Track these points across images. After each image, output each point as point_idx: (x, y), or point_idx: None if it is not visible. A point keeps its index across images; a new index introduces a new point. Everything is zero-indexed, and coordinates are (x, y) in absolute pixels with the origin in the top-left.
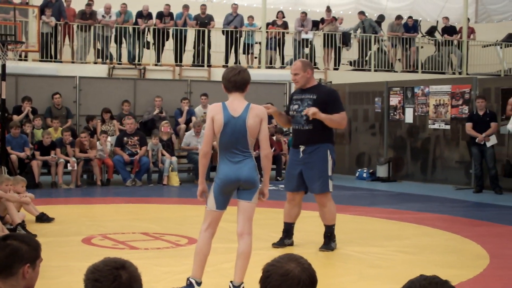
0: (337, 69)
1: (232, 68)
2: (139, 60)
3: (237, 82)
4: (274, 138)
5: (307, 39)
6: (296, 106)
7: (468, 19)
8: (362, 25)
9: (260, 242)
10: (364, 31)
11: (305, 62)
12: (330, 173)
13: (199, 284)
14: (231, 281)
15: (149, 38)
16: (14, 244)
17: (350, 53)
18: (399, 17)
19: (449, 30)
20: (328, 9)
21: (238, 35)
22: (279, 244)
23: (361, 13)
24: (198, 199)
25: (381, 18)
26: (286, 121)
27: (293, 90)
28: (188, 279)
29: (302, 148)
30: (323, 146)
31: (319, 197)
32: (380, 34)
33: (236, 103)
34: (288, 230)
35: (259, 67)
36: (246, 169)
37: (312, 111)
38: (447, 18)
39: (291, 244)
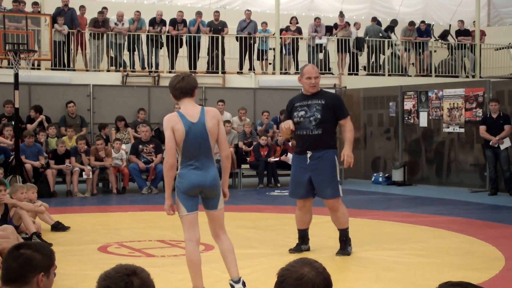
0: (355, 74)
1: (176, 75)
2: (154, 67)
3: (182, 88)
4: (290, 144)
5: (321, 45)
6: (302, 112)
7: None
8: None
9: (275, 248)
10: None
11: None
12: (338, 177)
13: None
14: (230, 279)
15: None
16: (27, 253)
17: (362, 58)
18: (411, 23)
19: (463, 33)
20: (341, 14)
21: (252, 41)
22: (296, 249)
23: (373, 19)
24: (167, 214)
25: (394, 22)
26: (291, 132)
27: None
28: None
29: (309, 154)
30: (330, 151)
31: (331, 202)
32: (387, 37)
33: (191, 109)
34: (303, 236)
35: (273, 73)
36: (210, 177)
37: (349, 160)
38: (462, 21)
39: (308, 250)
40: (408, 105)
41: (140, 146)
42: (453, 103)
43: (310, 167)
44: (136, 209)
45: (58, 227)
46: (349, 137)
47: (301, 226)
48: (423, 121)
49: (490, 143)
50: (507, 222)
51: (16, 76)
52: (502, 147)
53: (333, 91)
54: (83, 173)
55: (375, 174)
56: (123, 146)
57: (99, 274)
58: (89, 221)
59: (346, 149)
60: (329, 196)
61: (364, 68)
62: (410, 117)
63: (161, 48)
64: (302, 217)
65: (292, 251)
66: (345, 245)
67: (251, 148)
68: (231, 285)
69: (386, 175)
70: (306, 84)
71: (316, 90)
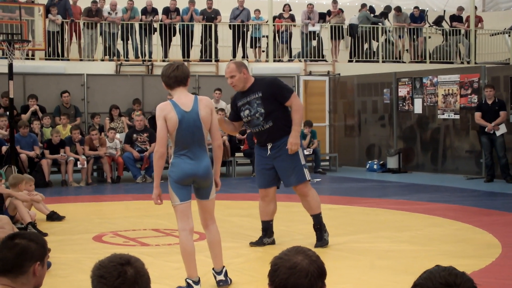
0: (356, 61)
1: (170, 64)
2: (147, 56)
3: (177, 77)
4: None
5: (314, 32)
6: (247, 111)
7: (476, 8)
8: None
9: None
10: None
11: (238, 63)
12: (303, 161)
13: (197, 282)
14: (213, 268)
15: (156, 34)
16: (23, 243)
17: (358, 45)
18: (398, 9)
19: (457, 19)
20: (334, 1)
21: (245, 29)
22: (258, 243)
23: (363, 5)
24: (155, 203)
25: (387, 9)
26: (233, 128)
27: (301, 83)
28: (185, 280)
29: (269, 145)
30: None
31: (299, 188)
32: (377, 22)
33: (184, 98)
34: (266, 229)
35: (267, 61)
36: (203, 166)
37: (292, 148)
38: (461, 7)
39: (272, 243)
40: (403, 91)
41: (134, 135)
42: (448, 90)
43: (271, 156)
44: (131, 198)
45: (53, 217)
46: (296, 120)
47: (264, 217)
48: (417, 107)
49: (486, 130)
50: (503, 209)
51: (10, 66)
52: (498, 133)
53: (327, 78)
54: (78, 162)
55: (369, 162)
56: (117, 135)
57: (94, 264)
58: (84, 211)
59: (291, 136)
60: (294, 182)
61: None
62: (404, 103)
63: (153, 33)
64: (265, 208)
65: (253, 244)
66: (320, 235)
67: (245, 136)
68: (213, 275)
69: (381, 162)
70: None
71: (239, 89)
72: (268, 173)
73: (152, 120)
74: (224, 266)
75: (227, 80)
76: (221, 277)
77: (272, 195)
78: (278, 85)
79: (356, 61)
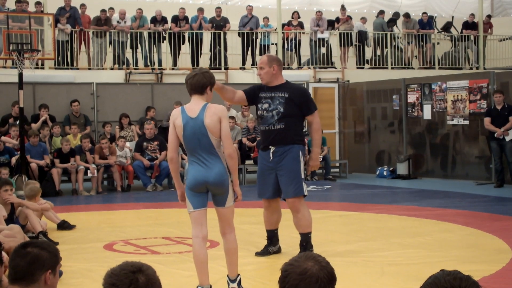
0: (361, 67)
1: (192, 71)
2: (157, 64)
3: (192, 85)
4: None
5: (323, 39)
6: (266, 105)
7: (490, 16)
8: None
9: (280, 244)
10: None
11: (272, 57)
12: (302, 175)
13: None
14: (227, 275)
15: (165, 43)
16: (34, 252)
17: (368, 52)
18: (406, 15)
19: (472, 26)
20: (343, 8)
21: (254, 37)
22: (263, 252)
23: (381, 12)
24: (180, 203)
25: (396, 15)
26: (231, 96)
27: (310, 91)
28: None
29: (272, 149)
30: (295, 147)
31: (292, 202)
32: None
33: (194, 105)
34: (271, 237)
35: None
36: (214, 172)
37: (314, 168)
38: (472, 15)
39: (278, 251)
40: (412, 98)
41: (145, 144)
42: (457, 95)
43: (273, 165)
44: (141, 207)
45: (64, 225)
46: (316, 140)
47: (269, 226)
48: (427, 113)
49: (495, 135)
50: None
51: (20, 75)
52: (507, 138)
53: (336, 85)
54: (88, 171)
55: (379, 168)
56: (127, 144)
57: (106, 272)
58: (95, 219)
59: (312, 158)
60: (291, 194)
61: (368, 61)
62: (414, 110)
63: (163, 42)
64: (269, 217)
65: (258, 254)
66: (304, 251)
67: (255, 143)
68: (227, 282)
69: (391, 168)
70: None
71: (264, 82)
72: (270, 183)
73: (162, 128)
74: (239, 275)
75: (258, 70)
76: (234, 285)
77: (275, 206)
78: (307, 96)
79: (370, 68)
